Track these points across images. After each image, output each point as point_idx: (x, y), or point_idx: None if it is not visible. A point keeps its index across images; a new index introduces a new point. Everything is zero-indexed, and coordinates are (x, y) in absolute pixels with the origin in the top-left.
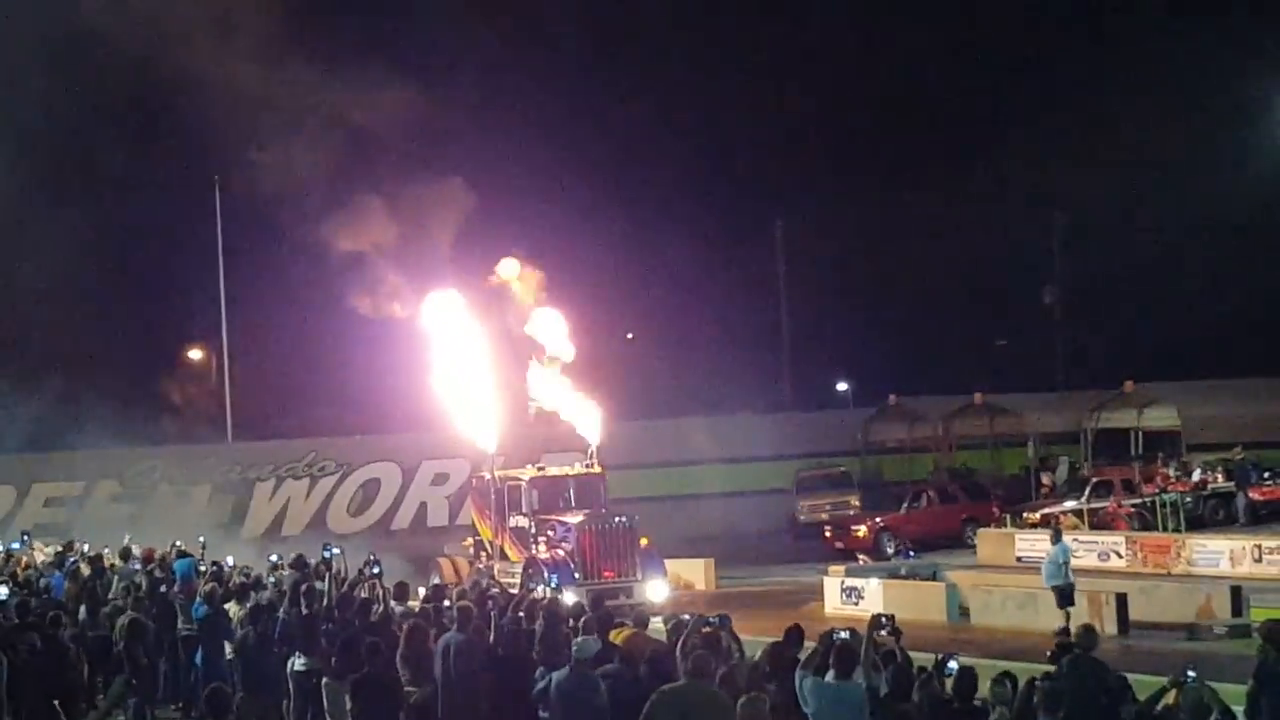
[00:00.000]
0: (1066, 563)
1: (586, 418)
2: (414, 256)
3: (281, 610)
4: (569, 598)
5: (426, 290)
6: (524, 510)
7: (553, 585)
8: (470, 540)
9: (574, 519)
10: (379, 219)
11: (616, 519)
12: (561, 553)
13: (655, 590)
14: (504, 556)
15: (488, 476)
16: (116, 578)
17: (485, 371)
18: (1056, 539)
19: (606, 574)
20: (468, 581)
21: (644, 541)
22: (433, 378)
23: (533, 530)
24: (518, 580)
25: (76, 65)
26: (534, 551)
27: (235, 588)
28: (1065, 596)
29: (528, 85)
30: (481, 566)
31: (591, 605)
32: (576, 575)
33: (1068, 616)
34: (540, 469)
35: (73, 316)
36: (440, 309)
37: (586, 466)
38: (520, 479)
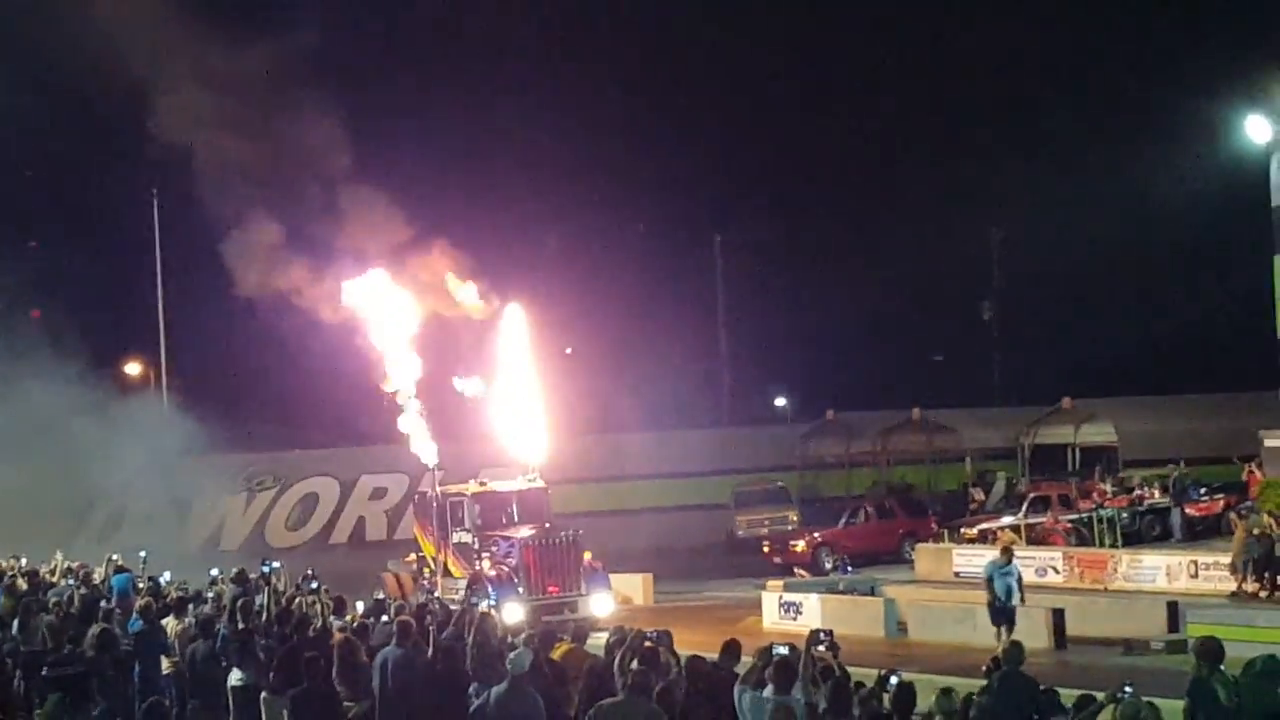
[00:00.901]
0: (1020, 588)
1: (528, 432)
2: (351, 267)
3: (221, 625)
4: (514, 613)
5: (367, 299)
6: (467, 525)
7: (491, 602)
8: (414, 555)
9: (518, 534)
10: (313, 230)
11: (561, 534)
12: (506, 568)
13: (600, 605)
14: (447, 572)
15: (430, 492)
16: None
17: (426, 383)
18: (1008, 560)
19: (551, 589)
20: (413, 597)
21: (587, 556)
22: (375, 386)
23: (476, 546)
24: (461, 596)
25: (17, 70)
26: (478, 567)
27: (173, 602)
28: (1009, 618)
29: (465, 96)
30: (425, 582)
31: (532, 622)
32: (521, 590)
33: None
34: (483, 484)
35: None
36: (377, 306)
37: (529, 481)
38: (463, 494)
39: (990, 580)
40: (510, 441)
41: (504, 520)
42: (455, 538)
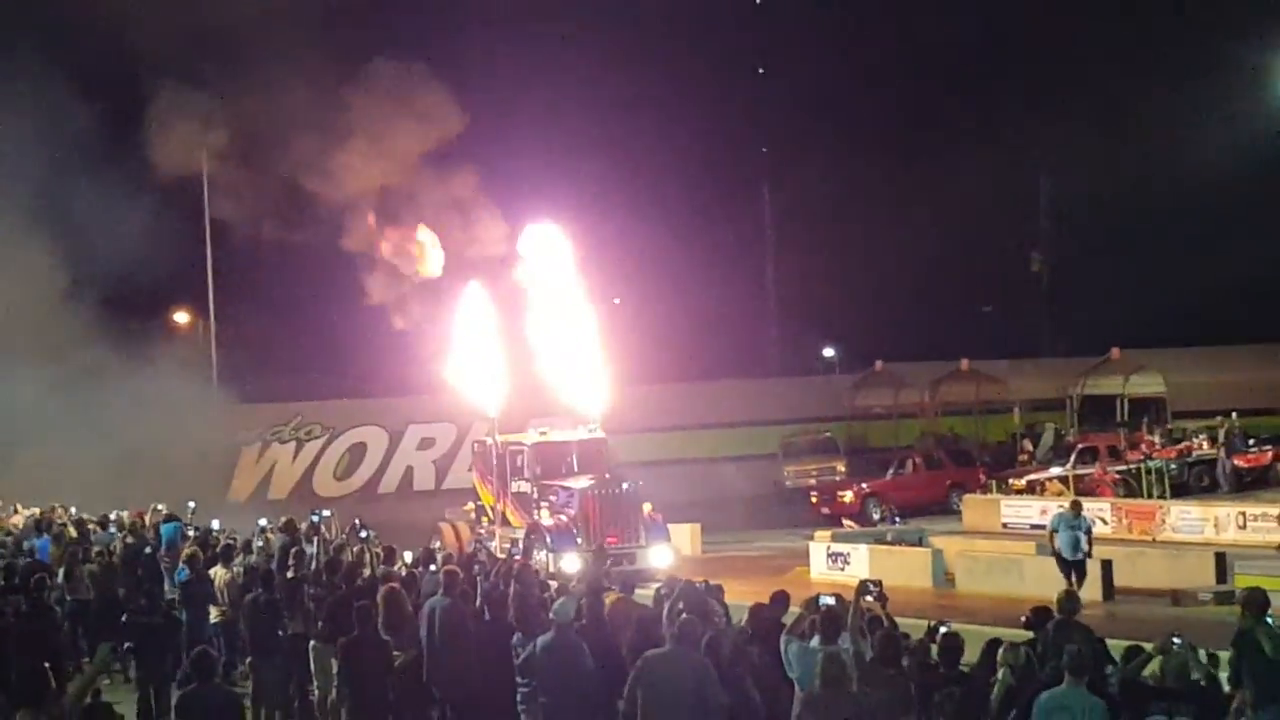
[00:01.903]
0: (1091, 541)
1: (590, 381)
2: (399, 213)
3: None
4: (572, 563)
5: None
6: (526, 476)
7: (548, 552)
8: (472, 505)
9: (577, 484)
10: (364, 178)
11: (621, 484)
12: (564, 518)
13: (659, 556)
14: (506, 522)
15: (489, 441)
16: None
17: (489, 332)
18: (1077, 513)
19: (610, 540)
20: (469, 547)
21: (647, 507)
22: (436, 339)
23: (535, 496)
24: (521, 546)
25: (64, 28)
26: (536, 517)
27: (220, 551)
28: (1079, 570)
29: (513, 42)
30: (483, 532)
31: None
32: (580, 541)
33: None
34: (543, 434)
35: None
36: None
37: (590, 431)
38: (523, 444)
39: (1055, 531)
40: (566, 391)
41: (563, 470)
42: (514, 487)
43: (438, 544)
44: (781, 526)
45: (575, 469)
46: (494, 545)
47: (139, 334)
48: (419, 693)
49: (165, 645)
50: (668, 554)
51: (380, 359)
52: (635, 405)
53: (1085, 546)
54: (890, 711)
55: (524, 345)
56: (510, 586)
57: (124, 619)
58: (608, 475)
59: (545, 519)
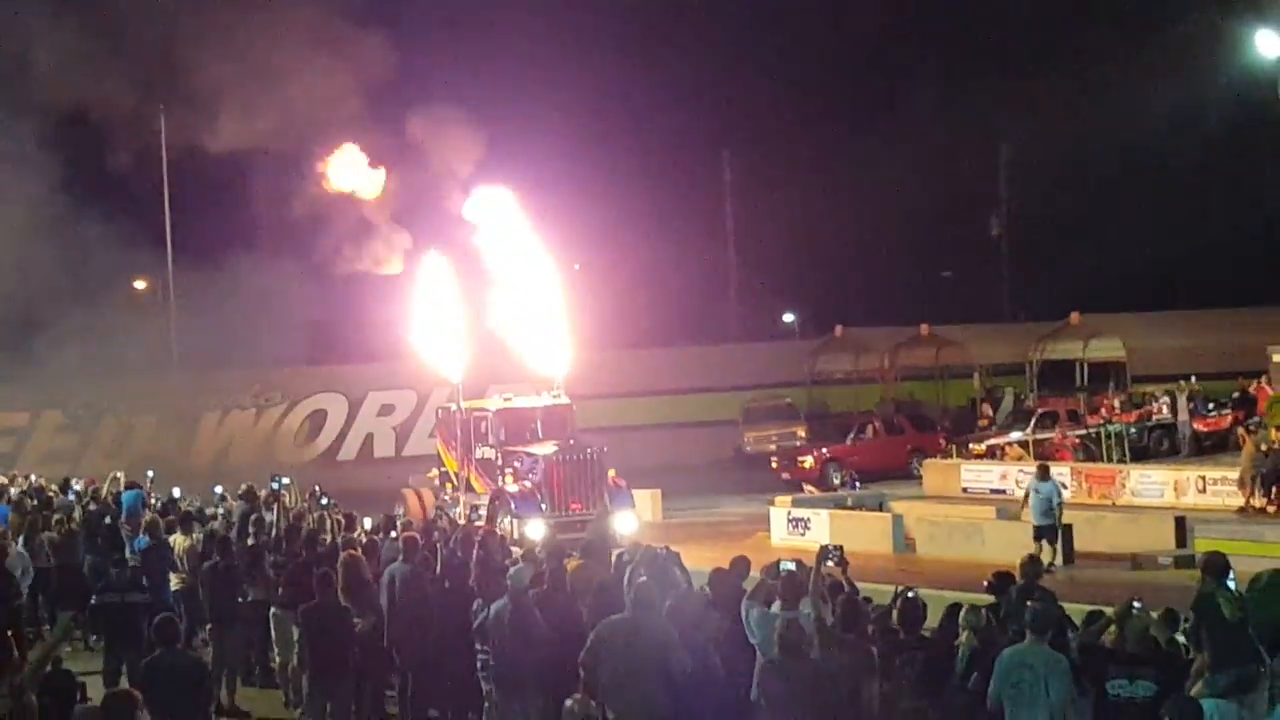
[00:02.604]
0: (1061, 504)
1: (551, 347)
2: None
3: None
4: (536, 529)
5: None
6: (490, 442)
7: (513, 518)
8: (435, 471)
9: (542, 450)
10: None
11: (585, 450)
12: (529, 484)
13: (623, 523)
14: (470, 488)
15: (453, 407)
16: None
17: (450, 298)
18: (1044, 476)
19: (574, 506)
20: (433, 513)
21: (612, 474)
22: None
23: (499, 462)
24: (484, 513)
25: None
26: (501, 484)
27: (180, 519)
28: (1048, 535)
29: (468, 6)
30: (447, 499)
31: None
32: (544, 507)
33: (1040, 549)
34: (507, 399)
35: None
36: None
37: (554, 397)
38: (487, 410)
39: (1025, 496)
40: (528, 356)
41: (528, 436)
42: (478, 453)
43: (401, 511)
44: (742, 492)
45: (540, 435)
46: (457, 512)
47: (99, 300)
48: (379, 659)
49: (139, 623)
50: (632, 520)
51: (339, 326)
52: (595, 371)
53: (1055, 510)
54: (852, 677)
55: (485, 310)
56: (473, 552)
57: (94, 602)
58: (572, 441)
59: (510, 485)
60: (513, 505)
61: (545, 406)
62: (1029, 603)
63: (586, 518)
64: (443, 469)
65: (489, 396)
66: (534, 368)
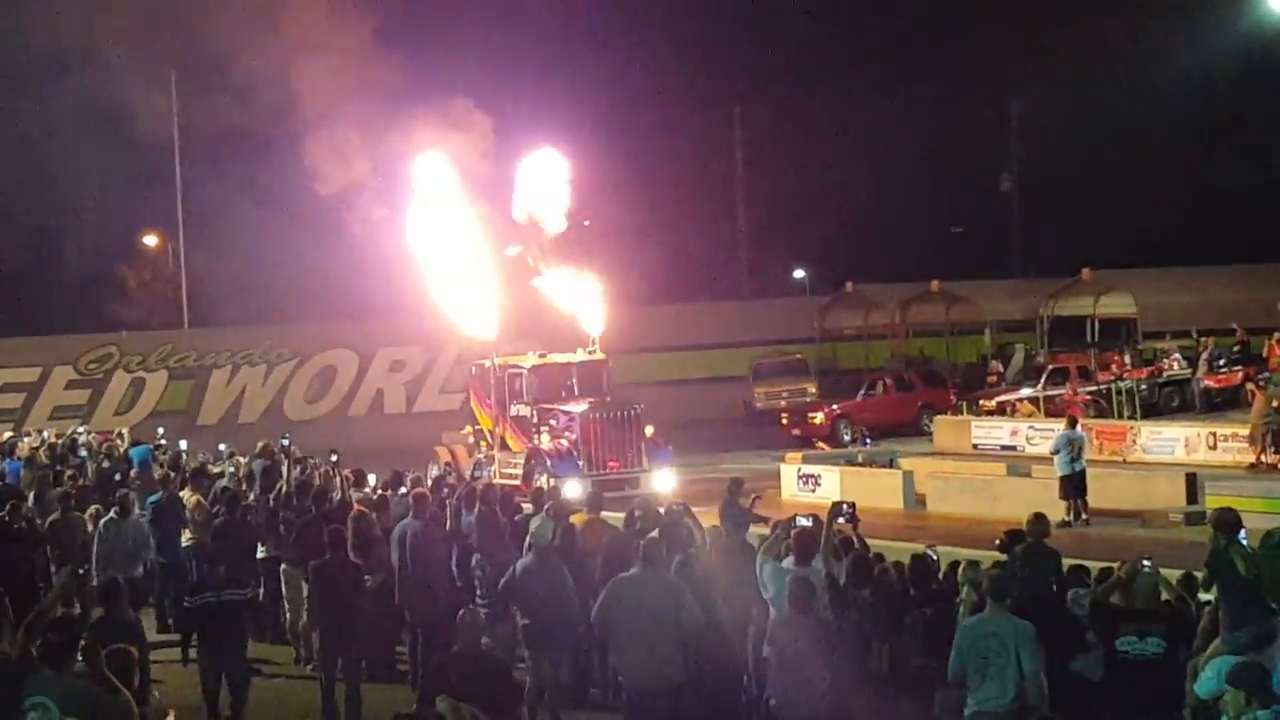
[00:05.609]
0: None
1: (587, 301)
2: (374, 134)
3: (252, 498)
4: (574, 489)
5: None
6: (525, 399)
7: (550, 477)
8: (470, 429)
9: (578, 408)
10: (334, 95)
11: (622, 408)
12: (565, 443)
13: (662, 481)
14: (505, 446)
15: (487, 364)
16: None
17: (479, 250)
18: (1072, 425)
19: (611, 464)
20: (468, 470)
21: (649, 431)
22: (418, 258)
23: (535, 420)
24: (520, 471)
25: None
26: (536, 442)
27: (191, 474)
28: (1075, 487)
29: None
30: (481, 457)
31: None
32: (581, 465)
33: (1069, 508)
34: (543, 356)
35: (26, 200)
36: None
37: (589, 353)
38: (522, 367)
39: (1058, 450)
40: (560, 313)
41: (563, 394)
42: (513, 411)
43: (436, 468)
44: (752, 448)
45: (576, 392)
46: (493, 470)
47: (109, 255)
48: (389, 615)
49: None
50: (671, 479)
51: (349, 281)
52: (606, 328)
53: (1070, 462)
54: (861, 633)
55: (517, 268)
56: (474, 509)
57: (187, 604)
58: (609, 398)
59: (545, 443)
60: (549, 464)
61: (581, 363)
62: (990, 570)
63: (625, 476)
64: (477, 426)
65: (526, 353)
66: (567, 323)
